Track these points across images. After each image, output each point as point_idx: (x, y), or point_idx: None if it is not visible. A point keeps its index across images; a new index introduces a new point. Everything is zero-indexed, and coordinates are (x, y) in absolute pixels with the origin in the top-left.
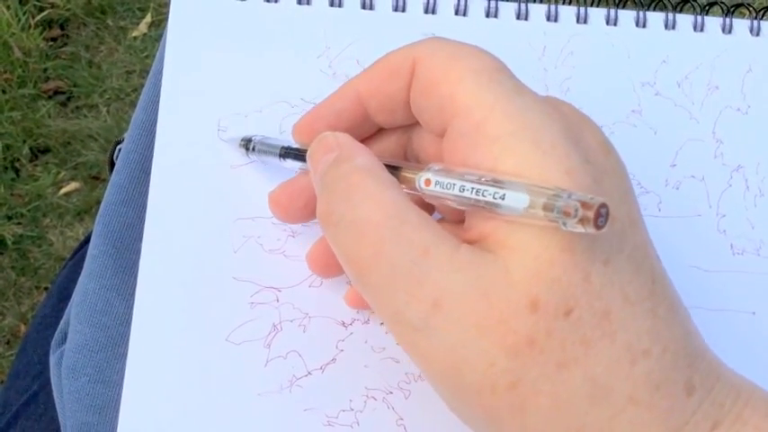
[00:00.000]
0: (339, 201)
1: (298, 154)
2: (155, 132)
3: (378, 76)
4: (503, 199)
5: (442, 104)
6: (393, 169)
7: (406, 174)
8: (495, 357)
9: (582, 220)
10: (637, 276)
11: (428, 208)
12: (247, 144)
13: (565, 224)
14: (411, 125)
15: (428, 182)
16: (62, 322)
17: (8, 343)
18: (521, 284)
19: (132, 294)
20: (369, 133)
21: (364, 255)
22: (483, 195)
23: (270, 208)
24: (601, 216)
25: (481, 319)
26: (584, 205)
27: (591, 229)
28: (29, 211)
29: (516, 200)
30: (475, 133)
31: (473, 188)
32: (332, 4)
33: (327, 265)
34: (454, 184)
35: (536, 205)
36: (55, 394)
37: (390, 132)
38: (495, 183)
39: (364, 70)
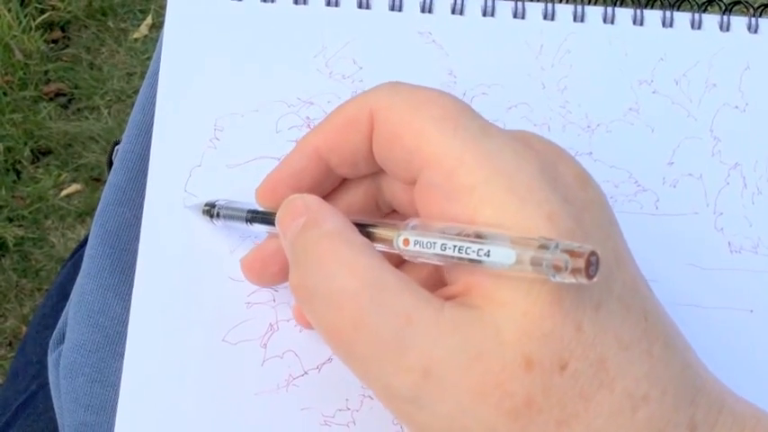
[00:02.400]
0: (311, 271)
1: (265, 217)
2: (152, 132)
3: (335, 130)
4: (487, 256)
5: (409, 156)
6: (367, 227)
7: (382, 232)
8: (495, 423)
9: (573, 272)
10: (628, 316)
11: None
12: (211, 210)
13: (554, 276)
14: (378, 172)
15: (407, 241)
16: (60, 322)
17: (10, 344)
18: (513, 343)
19: (129, 294)
20: (334, 186)
21: (344, 327)
22: (466, 253)
23: (243, 274)
24: (592, 265)
25: (475, 385)
26: (573, 254)
27: (583, 280)
28: (30, 212)
29: (502, 256)
30: (448, 184)
31: (455, 246)
32: (328, 4)
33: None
34: (434, 243)
35: (523, 260)
36: (53, 394)
37: (358, 182)
38: (478, 238)
39: (320, 123)
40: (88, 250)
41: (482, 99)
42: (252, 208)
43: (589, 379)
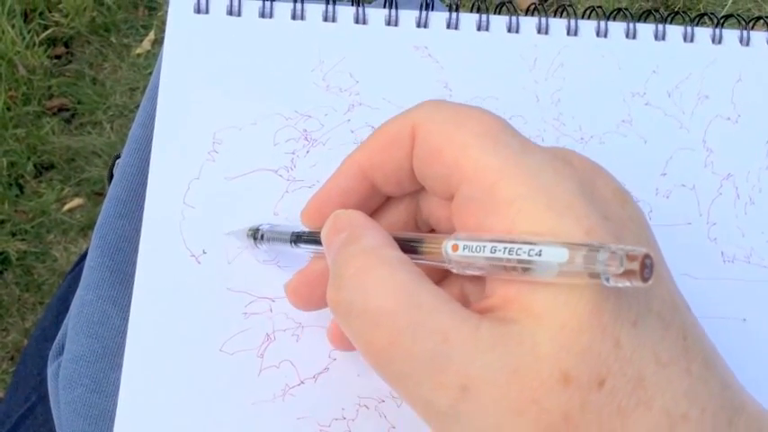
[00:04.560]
0: (348, 287)
1: (309, 238)
2: (151, 146)
3: (378, 148)
4: (539, 255)
5: (448, 171)
6: (413, 242)
7: (429, 243)
8: None
9: (627, 273)
10: (667, 334)
11: (442, 270)
12: (255, 234)
13: (608, 279)
14: (418, 191)
15: (456, 247)
16: (59, 334)
17: (12, 359)
18: (550, 358)
19: (128, 306)
20: (379, 205)
21: (381, 344)
22: (517, 254)
23: (288, 299)
24: (646, 267)
25: (513, 401)
26: (628, 257)
27: (638, 282)
28: (33, 227)
29: (554, 255)
30: (487, 197)
31: (505, 247)
32: (325, 19)
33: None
34: (484, 246)
35: (575, 259)
36: (52, 405)
37: (398, 201)
38: (527, 242)
39: (364, 142)
40: (88, 262)
41: None
42: (296, 231)
43: (627, 396)
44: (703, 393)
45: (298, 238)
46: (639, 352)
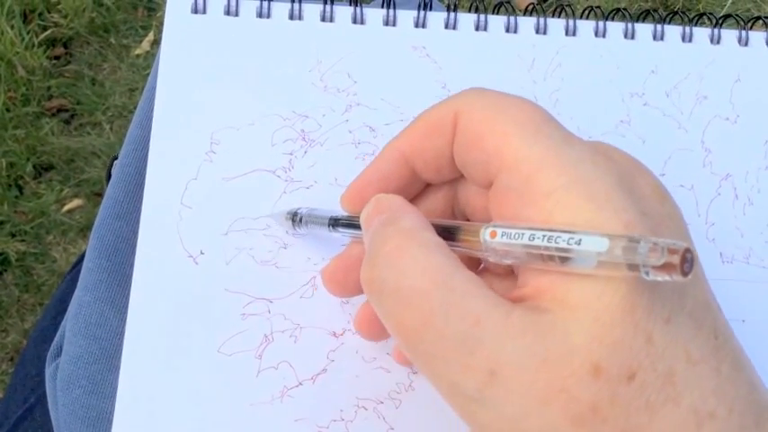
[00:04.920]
0: (382, 265)
1: (347, 222)
2: (149, 147)
3: (420, 134)
4: (578, 244)
5: (488, 159)
6: (452, 230)
7: (467, 233)
8: (559, 428)
9: (667, 267)
10: (699, 333)
11: (473, 264)
12: (294, 217)
13: (647, 273)
14: (456, 179)
15: (494, 233)
16: (57, 335)
17: (11, 360)
18: (581, 349)
19: (126, 307)
20: (418, 191)
21: (412, 324)
22: (555, 242)
23: (325, 285)
24: (686, 261)
25: (542, 389)
26: (669, 250)
27: (678, 276)
28: (32, 228)
29: (594, 244)
30: (525, 188)
31: (544, 235)
32: (323, 19)
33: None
34: (522, 233)
35: (615, 250)
36: (50, 407)
37: (437, 189)
38: (567, 231)
39: (406, 128)
40: (86, 263)
41: None
42: (333, 215)
43: (656, 391)
44: (731, 393)
45: (336, 222)
46: (671, 349)
